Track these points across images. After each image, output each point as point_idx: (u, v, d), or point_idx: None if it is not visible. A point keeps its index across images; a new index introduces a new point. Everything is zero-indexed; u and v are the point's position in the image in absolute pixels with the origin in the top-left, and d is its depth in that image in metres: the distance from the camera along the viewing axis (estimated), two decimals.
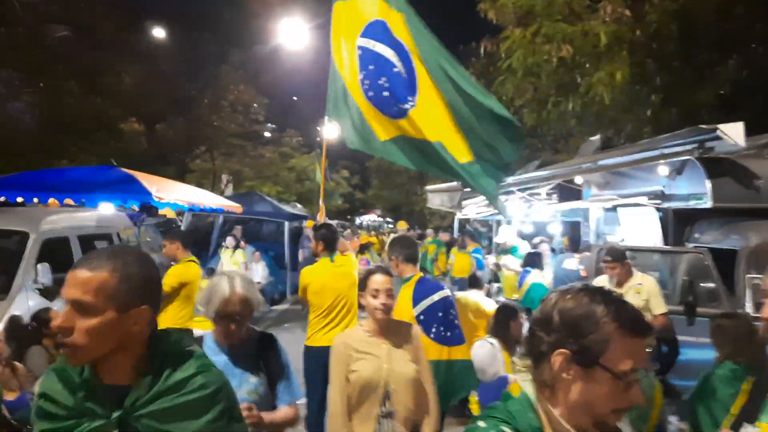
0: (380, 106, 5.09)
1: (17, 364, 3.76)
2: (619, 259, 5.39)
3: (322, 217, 6.13)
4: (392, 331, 3.10)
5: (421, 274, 4.40)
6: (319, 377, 4.78)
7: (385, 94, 5.00)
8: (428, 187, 9.92)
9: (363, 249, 14.02)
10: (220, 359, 2.62)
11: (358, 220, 42.86)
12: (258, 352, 2.75)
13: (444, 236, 13.86)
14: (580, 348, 1.30)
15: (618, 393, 1.29)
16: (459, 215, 13.29)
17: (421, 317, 3.98)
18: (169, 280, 5.73)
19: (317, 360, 4.87)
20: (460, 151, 4.79)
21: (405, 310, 4.12)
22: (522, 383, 1.45)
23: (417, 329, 3.24)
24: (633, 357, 1.30)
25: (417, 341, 3.15)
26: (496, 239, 9.43)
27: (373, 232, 22.68)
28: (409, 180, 36.31)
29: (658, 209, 6.92)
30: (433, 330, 3.89)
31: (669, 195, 6.70)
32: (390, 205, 41.68)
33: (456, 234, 14.35)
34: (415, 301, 4.10)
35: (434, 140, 4.81)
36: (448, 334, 3.91)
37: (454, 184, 11.28)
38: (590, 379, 1.31)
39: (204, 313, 2.67)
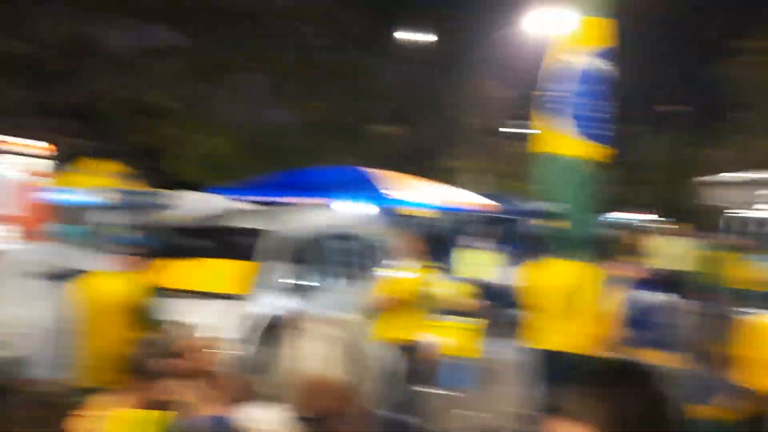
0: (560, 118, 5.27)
1: (221, 373, 3.52)
2: None
3: None
4: None
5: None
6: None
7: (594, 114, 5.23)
8: (706, 178, 8.10)
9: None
10: None
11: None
12: None
13: (732, 240, 11.44)
14: None
15: None
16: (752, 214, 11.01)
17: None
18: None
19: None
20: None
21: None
22: None
23: None
24: None
25: None
26: None
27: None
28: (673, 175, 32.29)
29: None
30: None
31: None
32: (653, 201, 37.43)
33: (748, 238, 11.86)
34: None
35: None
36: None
37: (747, 176, 9.42)
38: None
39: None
